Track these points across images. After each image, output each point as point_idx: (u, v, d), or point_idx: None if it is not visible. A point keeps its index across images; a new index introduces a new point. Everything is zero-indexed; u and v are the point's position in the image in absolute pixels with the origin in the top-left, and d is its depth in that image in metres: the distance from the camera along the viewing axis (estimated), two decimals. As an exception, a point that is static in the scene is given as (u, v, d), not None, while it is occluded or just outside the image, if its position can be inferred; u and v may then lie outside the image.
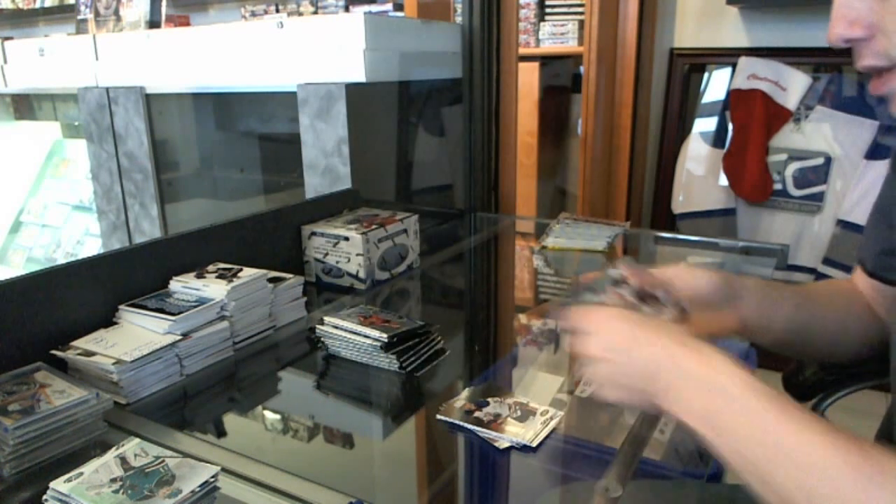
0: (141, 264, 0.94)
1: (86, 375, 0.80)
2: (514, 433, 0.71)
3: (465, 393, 0.80)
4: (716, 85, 2.44)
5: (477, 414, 0.75)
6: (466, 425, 0.73)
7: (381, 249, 1.18)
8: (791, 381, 0.94)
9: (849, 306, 0.79)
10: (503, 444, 0.70)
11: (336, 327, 0.91)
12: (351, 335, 0.89)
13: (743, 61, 2.33)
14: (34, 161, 2.41)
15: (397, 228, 1.21)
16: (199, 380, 0.86)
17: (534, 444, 0.70)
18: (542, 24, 2.93)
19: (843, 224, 2.14)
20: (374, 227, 1.17)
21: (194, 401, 0.84)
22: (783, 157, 2.28)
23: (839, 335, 0.78)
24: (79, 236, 2.21)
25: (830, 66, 2.25)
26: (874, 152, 2.13)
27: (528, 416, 0.74)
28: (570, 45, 2.89)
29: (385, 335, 0.87)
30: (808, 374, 0.92)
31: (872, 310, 0.79)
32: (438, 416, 0.75)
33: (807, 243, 2.24)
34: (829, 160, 2.21)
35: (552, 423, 0.73)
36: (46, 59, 1.91)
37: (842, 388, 0.90)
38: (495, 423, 0.73)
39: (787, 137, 2.28)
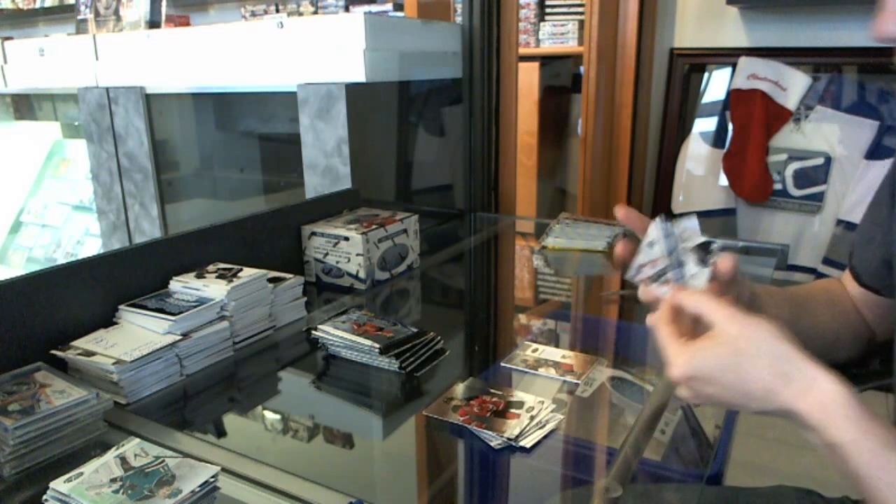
0: (141, 264, 0.94)
1: (86, 375, 0.80)
2: (507, 431, 0.71)
3: (459, 389, 0.80)
4: (716, 85, 2.44)
5: (465, 408, 0.75)
6: (456, 421, 0.73)
7: (381, 249, 1.18)
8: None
9: (842, 313, 0.79)
10: (497, 444, 0.70)
11: (329, 335, 0.91)
12: (347, 341, 0.90)
13: (743, 61, 2.33)
14: (34, 161, 2.41)
15: (397, 228, 1.21)
16: (199, 380, 0.86)
17: (528, 446, 0.70)
18: (542, 24, 2.93)
19: (843, 224, 2.14)
20: (374, 227, 1.17)
21: (194, 401, 0.84)
22: (783, 157, 2.28)
23: (833, 341, 0.78)
24: (79, 236, 2.21)
25: (830, 66, 2.26)
26: (874, 152, 2.13)
27: (521, 408, 0.74)
28: (570, 45, 2.89)
29: (378, 345, 0.87)
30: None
31: (860, 313, 0.80)
32: (425, 413, 0.76)
33: (807, 243, 2.24)
34: (829, 160, 2.21)
35: (550, 425, 0.73)
36: (46, 59, 1.91)
37: (847, 389, 0.90)
38: (485, 416, 0.73)
39: (787, 137, 2.28)
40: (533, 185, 2.80)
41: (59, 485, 0.58)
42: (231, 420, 0.82)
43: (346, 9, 3.47)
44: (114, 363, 0.77)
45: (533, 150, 2.77)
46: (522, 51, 2.41)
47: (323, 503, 0.62)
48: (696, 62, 2.48)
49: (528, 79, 2.68)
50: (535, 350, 0.93)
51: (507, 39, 1.68)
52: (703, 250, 0.60)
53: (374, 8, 3.33)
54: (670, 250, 0.60)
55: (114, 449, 0.64)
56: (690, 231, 0.62)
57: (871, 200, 0.77)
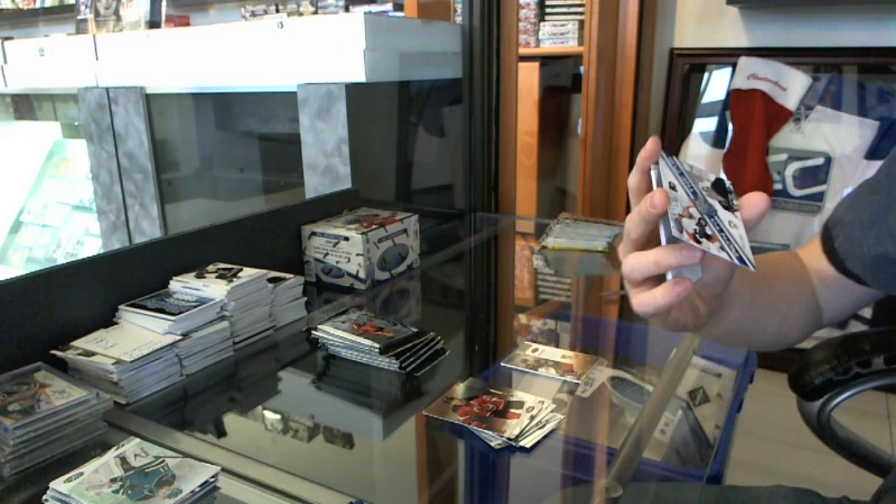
0: (141, 264, 0.94)
1: (86, 375, 0.80)
2: (507, 431, 0.71)
3: (459, 389, 0.80)
4: (716, 85, 2.45)
5: (465, 408, 0.75)
6: (456, 421, 0.73)
7: (381, 249, 1.18)
8: (797, 382, 0.94)
9: (796, 290, 0.71)
10: (497, 444, 0.70)
11: (329, 335, 0.91)
12: (347, 341, 0.90)
13: (743, 61, 2.33)
14: (34, 161, 2.41)
15: (397, 228, 1.21)
16: (199, 380, 0.86)
17: (528, 446, 0.70)
18: (542, 24, 2.93)
19: (844, 224, 2.14)
20: (374, 227, 1.17)
21: (194, 401, 0.84)
22: (783, 157, 2.28)
23: (784, 320, 0.70)
24: (79, 236, 2.21)
25: (830, 66, 2.26)
26: (874, 152, 2.13)
27: (521, 407, 0.74)
28: (570, 45, 2.89)
29: (378, 345, 0.87)
30: (814, 375, 0.91)
31: (815, 292, 0.71)
32: (425, 413, 0.75)
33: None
34: (829, 160, 2.21)
35: (550, 425, 0.73)
36: (46, 59, 1.91)
37: (848, 389, 0.90)
38: (485, 416, 0.73)
39: (787, 137, 2.28)
40: (533, 185, 2.80)
41: (59, 485, 0.58)
42: (231, 420, 0.82)
43: (346, 9, 3.47)
44: (114, 363, 0.77)
45: (533, 150, 2.78)
46: (522, 51, 2.41)
47: (323, 503, 0.62)
48: (696, 62, 2.49)
49: (528, 79, 2.68)
50: (535, 350, 0.93)
51: (507, 39, 1.68)
52: (720, 190, 0.50)
53: (374, 8, 3.33)
54: (693, 191, 0.49)
55: (114, 449, 0.64)
56: (697, 167, 0.51)
57: (868, 182, 0.67)
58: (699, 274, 0.49)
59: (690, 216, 0.46)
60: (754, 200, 0.48)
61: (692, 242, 0.45)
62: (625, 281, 0.52)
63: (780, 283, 0.69)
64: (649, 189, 0.48)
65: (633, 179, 0.50)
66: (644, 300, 0.50)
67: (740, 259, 0.45)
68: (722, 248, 0.45)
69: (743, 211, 0.48)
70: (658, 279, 0.50)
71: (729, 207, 0.48)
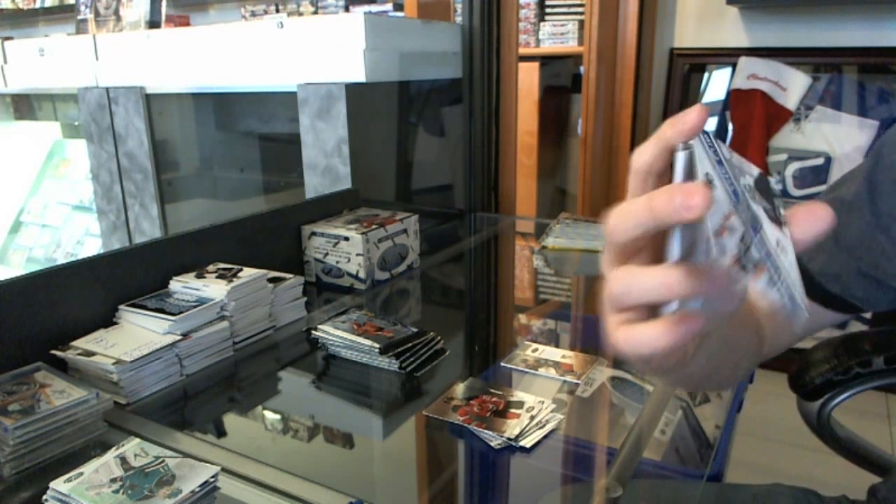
0: (141, 264, 0.94)
1: (86, 375, 0.80)
2: (507, 431, 0.71)
3: (459, 389, 0.80)
4: (716, 85, 2.45)
5: (465, 408, 0.75)
6: (456, 421, 0.73)
7: (381, 249, 1.18)
8: (797, 382, 0.94)
9: (753, 328, 0.60)
10: (497, 444, 0.70)
11: (329, 335, 0.91)
12: (347, 341, 0.90)
13: (743, 61, 2.33)
14: (34, 161, 2.41)
15: (397, 228, 1.21)
16: (199, 380, 0.86)
17: (528, 446, 0.70)
18: (542, 24, 2.93)
19: (843, 224, 2.14)
20: (374, 227, 1.17)
21: (194, 401, 0.84)
22: (783, 157, 2.28)
23: (740, 365, 0.59)
24: (79, 236, 2.21)
25: (830, 66, 2.26)
26: (874, 152, 2.13)
27: (521, 407, 0.74)
28: (570, 45, 2.89)
29: (378, 345, 0.87)
30: (814, 375, 0.91)
31: (760, 326, 0.61)
32: (425, 413, 0.75)
33: (807, 243, 2.24)
34: (829, 160, 2.21)
35: (550, 425, 0.73)
36: (46, 59, 1.91)
37: (848, 389, 0.90)
38: (485, 416, 0.73)
39: (787, 137, 2.28)
40: (533, 185, 2.80)
41: (59, 485, 0.58)
42: (231, 420, 0.82)
43: (346, 9, 3.47)
44: (114, 363, 0.77)
45: (533, 150, 2.78)
46: (522, 51, 2.41)
47: (323, 503, 0.62)
48: (696, 62, 2.49)
49: (528, 79, 2.68)
50: (535, 350, 0.93)
51: (507, 39, 1.68)
52: (765, 192, 0.34)
53: (374, 8, 3.33)
54: (734, 191, 0.32)
55: (114, 449, 0.64)
56: (737, 156, 0.34)
57: (842, 199, 0.59)
58: (698, 304, 0.35)
59: (732, 229, 0.30)
60: (818, 214, 0.32)
61: (733, 267, 0.30)
62: (604, 302, 0.38)
63: (743, 312, 0.57)
64: (665, 177, 0.34)
65: (646, 156, 0.35)
66: (636, 338, 0.36)
67: (793, 302, 0.30)
68: (772, 282, 0.30)
69: (796, 227, 0.32)
70: (648, 307, 0.36)
71: (775, 219, 0.33)
